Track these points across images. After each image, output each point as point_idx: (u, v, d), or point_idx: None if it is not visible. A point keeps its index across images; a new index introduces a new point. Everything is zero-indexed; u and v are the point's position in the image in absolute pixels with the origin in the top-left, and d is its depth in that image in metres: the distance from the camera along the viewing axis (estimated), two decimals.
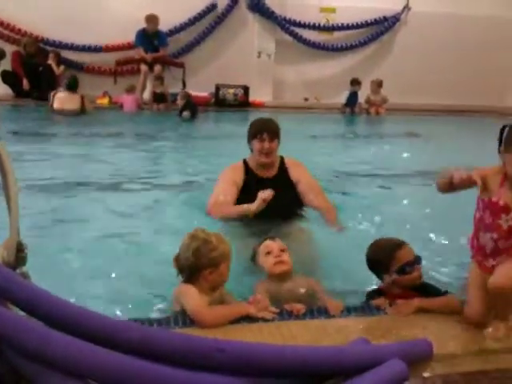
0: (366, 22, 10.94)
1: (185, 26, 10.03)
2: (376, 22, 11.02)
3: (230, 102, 9.69)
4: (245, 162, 3.67)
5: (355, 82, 9.83)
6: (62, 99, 8.05)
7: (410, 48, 11.01)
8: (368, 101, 9.96)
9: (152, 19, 9.23)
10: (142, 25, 9.32)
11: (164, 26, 9.59)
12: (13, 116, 8.08)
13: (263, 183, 3.43)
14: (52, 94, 8.19)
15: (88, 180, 4.72)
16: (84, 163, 5.46)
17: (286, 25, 10.48)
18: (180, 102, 8.42)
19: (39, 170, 4.97)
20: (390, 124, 9.34)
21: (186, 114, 8.21)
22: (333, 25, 10.83)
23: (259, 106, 10.05)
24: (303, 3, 10.53)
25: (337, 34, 10.98)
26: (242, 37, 10.54)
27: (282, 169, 3.67)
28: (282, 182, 3.57)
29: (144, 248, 3.23)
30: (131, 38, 9.45)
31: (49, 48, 9.48)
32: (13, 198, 1.74)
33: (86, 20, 9.36)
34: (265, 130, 3.51)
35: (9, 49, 9.09)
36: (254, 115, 9.31)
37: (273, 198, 3.15)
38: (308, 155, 6.11)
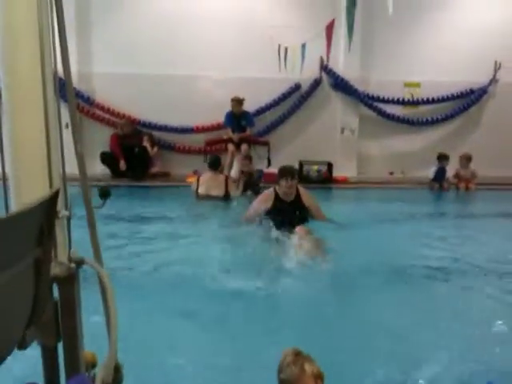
0: (452, 95, 10.79)
1: (270, 107, 10.40)
2: (462, 95, 10.85)
3: (314, 179, 9.74)
4: (275, 190, 5.88)
5: (443, 158, 9.60)
6: (207, 183, 7.95)
7: (498, 120, 10.73)
8: (457, 176, 9.69)
9: (236, 102, 9.66)
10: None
11: (251, 106, 10.01)
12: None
13: (285, 204, 5.76)
14: (196, 177, 8.26)
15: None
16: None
17: (369, 101, 10.57)
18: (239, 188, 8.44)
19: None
20: (481, 201, 8.91)
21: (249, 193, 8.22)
22: (417, 99, 10.78)
23: (342, 181, 10.05)
24: (387, 79, 10.58)
25: (422, 108, 10.90)
26: (325, 113, 10.70)
27: (298, 196, 5.87)
28: (297, 205, 5.84)
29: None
30: (220, 119, 9.91)
31: (144, 130, 10.13)
32: (112, 319, 1.81)
33: (177, 103, 10.03)
34: (289, 175, 5.72)
35: (107, 131, 9.87)
36: (337, 192, 9.40)
37: (290, 214, 5.61)
38: (395, 238, 5.96)
